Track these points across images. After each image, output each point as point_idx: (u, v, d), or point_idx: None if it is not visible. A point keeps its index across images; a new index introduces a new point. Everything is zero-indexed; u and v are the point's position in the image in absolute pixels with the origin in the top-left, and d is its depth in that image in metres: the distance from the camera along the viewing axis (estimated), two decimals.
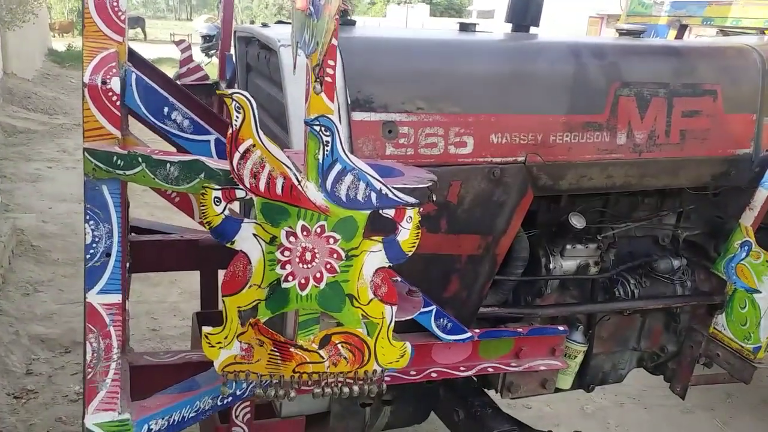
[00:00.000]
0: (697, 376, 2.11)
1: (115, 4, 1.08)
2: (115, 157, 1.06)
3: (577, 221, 1.71)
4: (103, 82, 1.06)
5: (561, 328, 1.72)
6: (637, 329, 2.09)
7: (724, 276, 1.98)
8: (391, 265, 1.10)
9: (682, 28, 2.29)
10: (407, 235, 1.09)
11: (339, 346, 1.12)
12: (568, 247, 1.80)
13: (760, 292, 1.89)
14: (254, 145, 0.98)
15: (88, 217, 1.08)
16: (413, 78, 1.43)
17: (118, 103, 1.07)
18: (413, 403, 1.72)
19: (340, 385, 1.13)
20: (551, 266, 1.78)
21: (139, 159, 1.05)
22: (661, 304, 2.00)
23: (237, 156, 0.98)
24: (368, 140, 1.34)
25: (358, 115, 1.33)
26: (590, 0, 19.18)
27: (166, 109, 1.23)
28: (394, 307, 1.12)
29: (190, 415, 1.19)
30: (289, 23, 1.46)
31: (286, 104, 1.31)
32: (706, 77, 1.75)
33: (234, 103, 0.96)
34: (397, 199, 1.06)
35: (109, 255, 1.09)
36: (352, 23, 1.68)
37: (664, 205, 1.99)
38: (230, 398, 1.26)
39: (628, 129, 1.66)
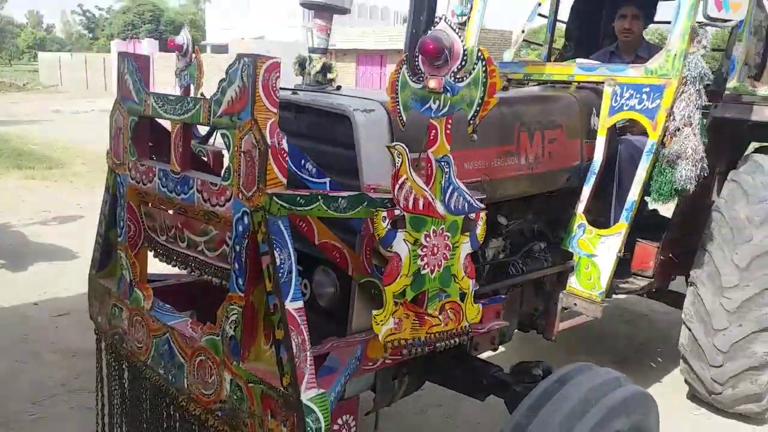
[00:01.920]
0: (562, 322, 2.98)
1: (274, 85, 1.43)
2: (298, 198, 1.42)
3: (503, 220, 2.43)
4: (279, 144, 1.41)
5: (502, 296, 2.40)
6: (518, 298, 2.87)
7: (571, 249, 2.88)
8: (473, 251, 1.65)
9: (509, 82, 3.21)
10: (479, 229, 1.66)
11: (448, 311, 1.62)
12: (492, 240, 2.50)
13: (596, 256, 2.83)
14: (407, 179, 1.46)
15: (274, 245, 1.41)
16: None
17: (287, 158, 1.43)
18: (417, 372, 2.22)
19: (451, 339, 1.63)
20: (487, 254, 2.46)
21: (319, 197, 1.43)
22: (541, 274, 2.81)
23: (397, 186, 1.44)
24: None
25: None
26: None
27: (302, 161, 1.58)
28: (473, 280, 1.67)
29: (339, 389, 1.56)
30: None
31: (360, 158, 1.73)
32: (557, 115, 2.63)
33: (396, 152, 1.42)
34: (477, 206, 1.62)
35: (291, 272, 1.42)
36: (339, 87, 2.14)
37: (531, 206, 2.82)
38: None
39: (525, 153, 2.43)
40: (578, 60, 3.18)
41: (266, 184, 1.40)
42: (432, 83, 1.47)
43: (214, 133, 2.31)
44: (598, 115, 2.84)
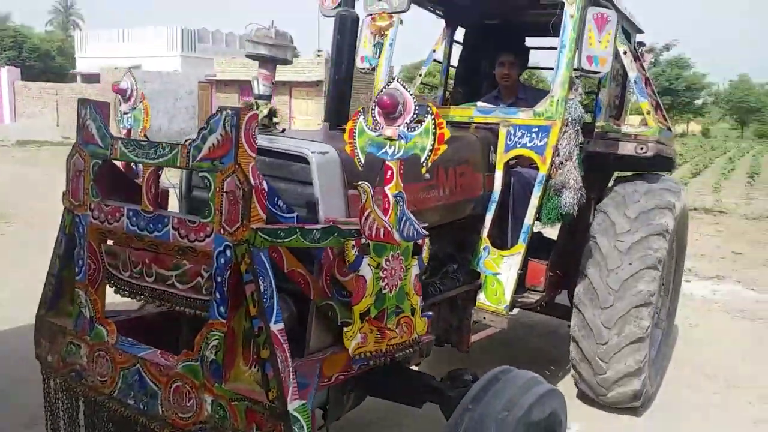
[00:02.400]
0: (474, 334, 3.33)
1: (253, 133, 1.62)
2: (279, 231, 1.61)
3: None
4: (261, 185, 1.60)
5: (429, 313, 2.68)
6: (436, 315, 3.18)
7: (478, 269, 3.25)
8: (420, 271, 1.92)
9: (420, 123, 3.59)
10: (425, 253, 1.94)
11: (403, 325, 1.87)
12: None
13: (500, 274, 3.22)
14: (371, 212, 1.71)
15: (258, 274, 1.59)
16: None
17: (266, 198, 1.63)
18: (361, 387, 2.43)
19: (406, 349, 1.88)
20: None
21: (297, 230, 1.63)
22: (455, 292, 3.14)
23: (363, 218, 1.69)
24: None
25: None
26: None
27: (275, 198, 1.75)
28: (420, 297, 1.94)
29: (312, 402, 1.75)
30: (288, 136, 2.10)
31: (317, 194, 1.94)
32: (465, 153, 3.01)
33: (362, 189, 1.67)
34: (422, 233, 1.90)
35: (273, 297, 1.61)
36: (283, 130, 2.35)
37: (445, 232, 3.16)
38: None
39: (442, 186, 2.77)
40: (478, 104, 3.61)
41: (250, 220, 1.59)
42: (388, 132, 1.74)
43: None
44: (495, 152, 3.27)
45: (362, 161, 1.82)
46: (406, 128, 1.74)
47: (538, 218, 3.26)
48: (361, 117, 1.80)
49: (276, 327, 1.60)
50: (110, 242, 2.02)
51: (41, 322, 2.15)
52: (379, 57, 3.58)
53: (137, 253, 1.92)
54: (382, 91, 1.76)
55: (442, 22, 4.42)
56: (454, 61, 4.64)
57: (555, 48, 3.39)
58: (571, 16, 3.13)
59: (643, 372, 3.45)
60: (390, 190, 1.77)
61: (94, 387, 1.98)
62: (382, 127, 1.76)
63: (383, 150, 1.78)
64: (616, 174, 4.33)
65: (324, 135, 2.55)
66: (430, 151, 1.71)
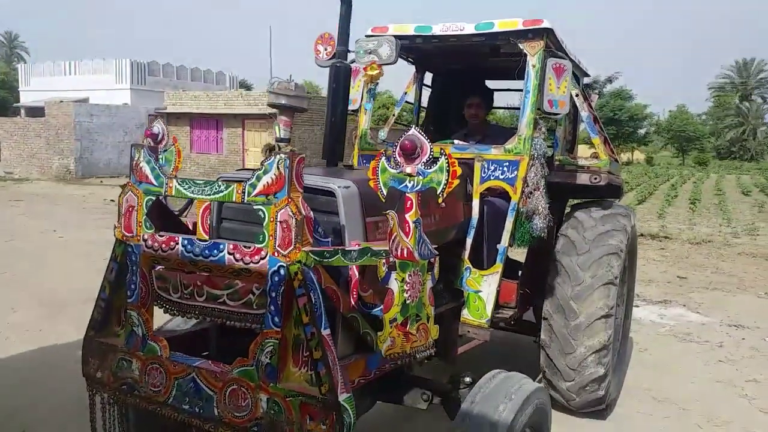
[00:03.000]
0: (459, 347, 3.72)
1: (300, 172, 2.00)
2: (325, 252, 1.99)
3: None
4: (309, 215, 1.98)
5: None
6: None
7: (462, 288, 3.66)
8: (433, 285, 2.31)
9: None
10: (436, 269, 2.34)
11: (421, 330, 2.26)
12: None
13: (481, 291, 3.64)
14: (397, 235, 2.10)
15: (309, 289, 1.95)
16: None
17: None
18: (372, 392, 2.76)
19: (424, 351, 2.26)
20: None
21: (339, 251, 2.01)
22: (443, 309, 3.51)
23: (391, 240, 2.08)
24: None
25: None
26: None
27: (316, 226, 2.11)
28: (433, 307, 2.33)
29: None
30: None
31: (343, 221, 2.32)
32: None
33: (390, 216, 2.07)
34: (434, 253, 2.31)
35: (321, 308, 1.96)
36: None
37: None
38: None
39: (433, 215, 3.17)
40: (455, 142, 4.07)
41: (303, 244, 1.96)
42: (408, 169, 2.16)
43: (189, 208, 2.75)
44: (471, 183, 3.73)
45: (384, 194, 2.22)
46: (423, 166, 2.16)
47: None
48: (383, 158, 2.21)
49: (325, 332, 1.96)
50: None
51: (90, 342, 2.42)
52: (371, 101, 4.03)
53: (188, 277, 2.25)
54: (401, 137, 2.17)
55: (413, 68, 4.92)
56: (424, 101, 5.14)
57: (516, 90, 3.89)
58: (533, 66, 3.65)
59: (607, 377, 3.90)
60: (410, 216, 2.17)
61: (147, 397, 2.26)
62: (403, 166, 2.17)
63: (404, 184, 2.19)
64: (570, 201, 4.88)
65: (340, 172, 2.94)
66: (445, 184, 2.13)
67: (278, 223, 1.99)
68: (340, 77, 3.36)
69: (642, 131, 52.28)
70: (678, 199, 20.64)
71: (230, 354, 2.19)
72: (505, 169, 3.66)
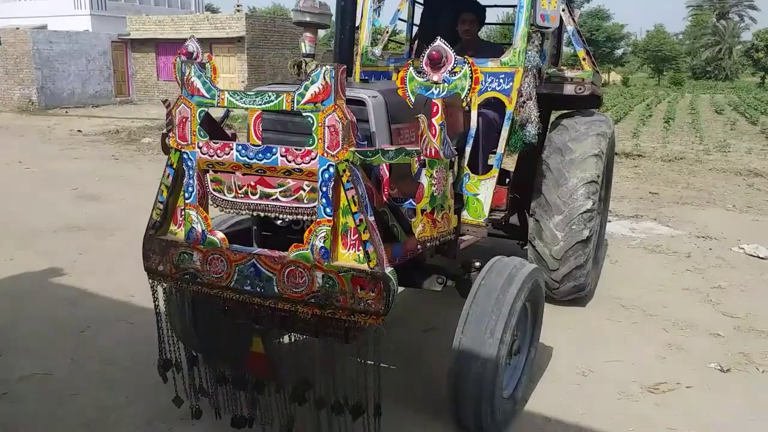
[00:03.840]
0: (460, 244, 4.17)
1: (343, 82, 2.34)
2: (368, 152, 2.36)
3: None
4: (353, 119, 2.34)
5: None
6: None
7: (461, 192, 4.01)
8: (453, 180, 2.72)
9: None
10: (455, 167, 2.74)
11: (444, 219, 2.69)
12: None
13: (479, 194, 4.05)
14: (427, 137, 2.49)
15: (356, 183, 2.33)
16: None
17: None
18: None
19: (448, 236, 2.70)
20: None
21: (378, 151, 2.39)
22: None
23: (422, 141, 2.47)
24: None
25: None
26: None
27: (355, 130, 2.47)
28: (453, 199, 2.75)
29: None
30: None
31: (373, 128, 2.68)
32: (453, 97, 3.81)
33: (421, 120, 2.45)
34: (455, 152, 2.70)
35: (365, 198, 2.36)
36: None
37: None
38: None
39: None
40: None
41: (349, 145, 2.33)
42: (435, 77, 2.51)
43: (226, 118, 3.07)
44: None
45: (412, 100, 2.59)
46: (448, 74, 2.51)
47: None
48: (411, 68, 2.56)
49: (371, 218, 2.37)
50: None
51: (150, 240, 2.79)
52: (378, 18, 4.32)
53: (242, 178, 2.61)
54: (427, 47, 2.51)
55: None
56: (416, 19, 5.40)
57: (504, 6, 4.14)
58: None
59: (587, 267, 4.47)
60: (436, 120, 2.54)
61: (209, 283, 2.67)
62: (430, 74, 2.52)
63: (430, 91, 2.55)
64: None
65: (364, 84, 3.26)
66: (469, 89, 2.50)
67: (326, 127, 2.35)
68: None
69: (619, 52, 52.45)
70: (652, 119, 21.13)
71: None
72: (501, 80, 4.01)
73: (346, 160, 2.34)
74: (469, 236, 3.95)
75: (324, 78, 2.32)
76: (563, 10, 4.68)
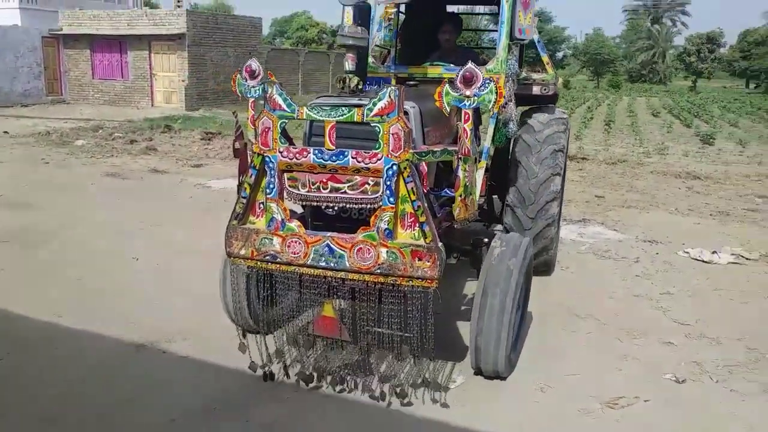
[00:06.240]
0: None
1: (403, 99, 3.18)
2: (422, 153, 3.23)
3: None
4: (411, 128, 3.18)
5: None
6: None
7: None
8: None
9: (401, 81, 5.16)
10: (481, 163, 3.64)
11: (472, 202, 3.58)
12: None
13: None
14: (462, 138, 3.37)
15: (414, 177, 3.18)
16: None
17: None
18: None
19: (474, 218, 3.60)
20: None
21: (430, 152, 3.26)
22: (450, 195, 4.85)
23: (459, 142, 3.36)
24: None
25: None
26: None
27: None
28: (479, 188, 3.65)
29: None
30: None
31: (413, 132, 3.55)
32: None
33: (459, 126, 3.33)
34: (478, 151, 3.60)
35: (422, 190, 3.22)
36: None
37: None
38: None
39: (448, 125, 4.45)
40: (445, 65, 5.25)
41: (409, 148, 3.18)
42: (468, 92, 3.38)
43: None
44: None
45: (448, 110, 3.45)
46: (477, 90, 3.39)
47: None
48: (447, 85, 3.42)
49: (425, 205, 3.22)
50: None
51: (234, 229, 3.53)
52: (389, 35, 5.18)
53: (315, 176, 3.40)
54: (461, 70, 3.36)
55: None
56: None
57: (479, 14, 4.95)
58: (507, 1, 4.83)
59: (552, 247, 5.45)
60: (467, 126, 3.41)
61: (288, 261, 3.43)
62: (463, 90, 3.39)
63: (463, 103, 3.41)
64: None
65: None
66: (494, 102, 3.38)
67: (391, 134, 3.18)
68: (364, 16, 4.44)
69: (560, 54, 55.08)
70: (594, 121, 22.25)
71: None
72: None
73: (407, 160, 3.18)
74: None
75: (389, 96, 3.16)
76: None
